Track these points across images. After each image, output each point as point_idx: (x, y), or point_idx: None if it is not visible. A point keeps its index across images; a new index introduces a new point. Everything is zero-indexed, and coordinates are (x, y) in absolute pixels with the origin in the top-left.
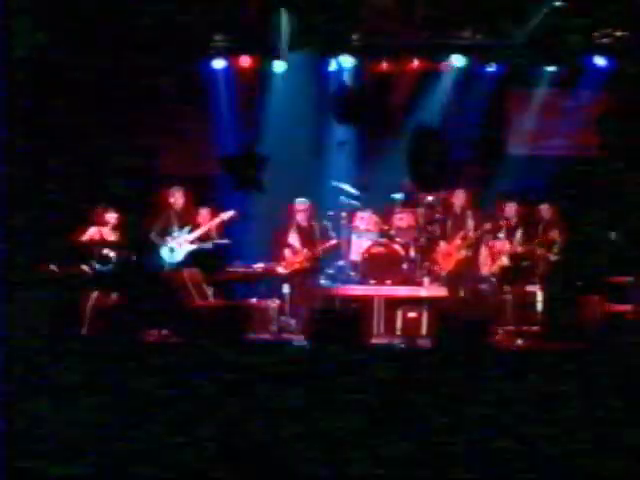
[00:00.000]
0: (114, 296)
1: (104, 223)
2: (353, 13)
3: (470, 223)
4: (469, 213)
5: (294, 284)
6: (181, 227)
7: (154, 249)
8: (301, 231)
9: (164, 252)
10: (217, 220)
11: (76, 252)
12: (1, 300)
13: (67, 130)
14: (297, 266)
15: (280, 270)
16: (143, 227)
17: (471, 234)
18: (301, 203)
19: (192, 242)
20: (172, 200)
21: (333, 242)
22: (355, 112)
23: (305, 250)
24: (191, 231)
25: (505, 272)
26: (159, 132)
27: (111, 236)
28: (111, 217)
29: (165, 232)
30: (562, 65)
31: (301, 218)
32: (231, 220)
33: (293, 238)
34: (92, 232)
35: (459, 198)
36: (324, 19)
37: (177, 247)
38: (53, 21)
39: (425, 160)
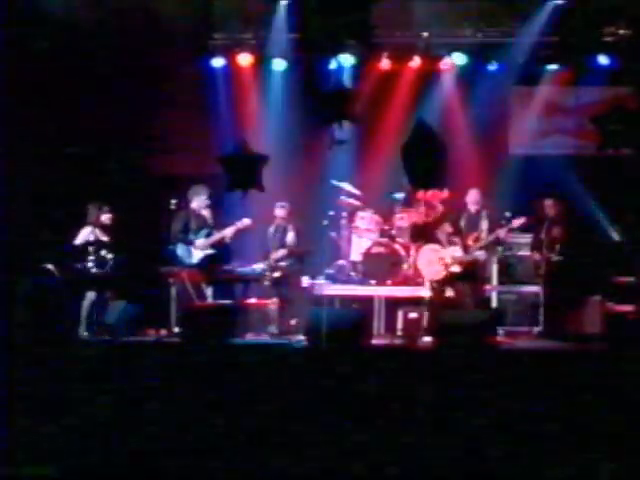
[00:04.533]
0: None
1: (98, 223)
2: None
3: (484, 224)
4: (484, 214)
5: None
6: (198, 230)
7: (172, 249)
8: (276, 234)
9: (181, 252)
10: (233, 228)
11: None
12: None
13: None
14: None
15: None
16: (157, 227)
17: (484, 235)
18: (280, 207)
19: (210, 247)
20: (192, 201)
21: (296, 249)
22: (343, 110)
23: (278, 254)
24: (208, 235)
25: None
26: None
27: (104, 237)
28: (106, 217)
29: (184, 233)
30: (568, 64)
31: (279, 222)
32: (247, 228)
33: (269, 239)
34: (86, 233)
35: (473, 197)
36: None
37: (194, 250)
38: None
39: (422, 157)
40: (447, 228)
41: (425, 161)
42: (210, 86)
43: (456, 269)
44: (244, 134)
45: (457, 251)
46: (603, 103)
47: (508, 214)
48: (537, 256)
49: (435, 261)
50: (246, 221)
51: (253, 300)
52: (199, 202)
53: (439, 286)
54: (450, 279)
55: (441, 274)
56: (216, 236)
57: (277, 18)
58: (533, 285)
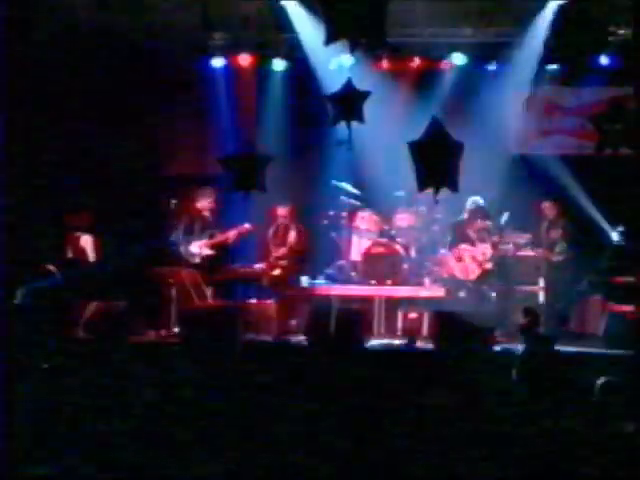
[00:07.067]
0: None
1: (84, 228)
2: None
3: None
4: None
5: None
6: (201, 230)
7: (174, 249)
8: (278, 233)
9: (184, 253)
10: (235, 232)
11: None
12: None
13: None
14: (267, 266)
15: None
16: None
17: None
18: (282, 207)
19: (211, 248)
20: (198, 202)
21: (297, 248)
22: (357, 110)
23: (279, 253)
24: (211, 236)
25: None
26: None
27: (89, 241)
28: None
29: (186, 234)
30: (572, 64)
31: (281, 221)
32: (248, 232)
33: (270, 238)
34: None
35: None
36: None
37: (197, 250)
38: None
39: (435, 157)
40: (479, 224)
41: (438, 161)
42: (210, 86)
43: (489, 266)
44: (245, 134)
45: (487, 248)
46: (603, 103)
47: (506, 214)
48: (537, 256)
49: (468, 260)
50: (247, 226)
51: (253, 300)
52: (203, 204)
53: (475, 286)
54: (485, 277)
55: (476, 273)
56: (218, 238)
57: (277, 18)
58: (533, 285)
